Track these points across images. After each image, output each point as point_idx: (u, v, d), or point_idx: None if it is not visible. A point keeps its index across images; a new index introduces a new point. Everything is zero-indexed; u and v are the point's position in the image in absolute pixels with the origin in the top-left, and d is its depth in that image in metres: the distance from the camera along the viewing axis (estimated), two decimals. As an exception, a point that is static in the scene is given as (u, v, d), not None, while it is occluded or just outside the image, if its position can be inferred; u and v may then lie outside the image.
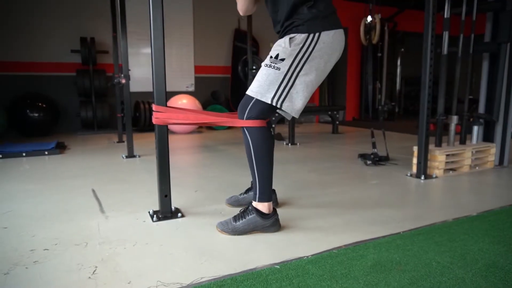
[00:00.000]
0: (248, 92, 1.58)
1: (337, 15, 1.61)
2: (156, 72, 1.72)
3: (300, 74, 1.53)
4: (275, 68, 1.52)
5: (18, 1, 5.27)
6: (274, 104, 1.54)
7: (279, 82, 1.52)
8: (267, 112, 1.59)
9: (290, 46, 1.51)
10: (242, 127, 1.61)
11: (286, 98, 1.54)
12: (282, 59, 1.52)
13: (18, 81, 5.37)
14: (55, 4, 5.48)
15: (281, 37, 1.59)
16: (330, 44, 1.54)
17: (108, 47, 5.60)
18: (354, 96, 7.99)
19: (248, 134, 1.59)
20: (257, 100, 1.56)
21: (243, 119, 1.59)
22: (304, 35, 1.52)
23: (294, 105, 1.56)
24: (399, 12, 7.29)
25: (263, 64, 1.57)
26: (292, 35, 1.53)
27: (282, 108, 1.54)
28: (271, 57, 1.54)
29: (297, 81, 1.53)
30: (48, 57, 5.54)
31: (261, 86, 1.54)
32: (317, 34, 1.52)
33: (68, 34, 5.57)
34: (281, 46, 1.53)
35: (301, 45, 1.51)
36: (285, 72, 1.52)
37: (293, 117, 4.25)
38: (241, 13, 1.77)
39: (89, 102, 5.47)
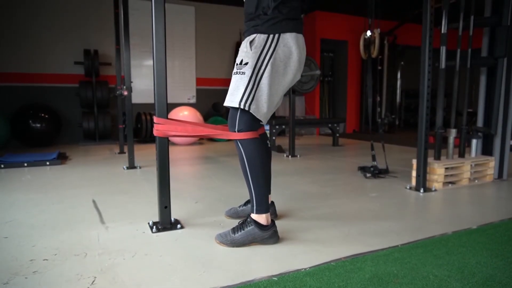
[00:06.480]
0: (224, 103, 1.61)
1: (302, 22, 1.63)
2: (157, 85, 1.75)
3: (264, 76, 1.55)
4: (241, 73, 1.56)
5: (22, 13, 5.37)
6: (242, 107, 1.55)
7: (245, 85, 1.55)
8: (253, 121, 1.60)
9: (251, 49, 1.55)
10: (235, 140, 1.62)
11: (253, 101, 1.56)
12: (246, 63, 1.55)
13: (21, 91, 5.44)
14: (59, 17, 5.58)
15: (244, 38, 1.63)
16: (289, 47, 1.57)
17: (111, 59, 5.68)
18: (355, 109, 8.04)
19: (241, 146, 1.60)
20: (241, 111, 1.58)
21: (234, 132, 1.61)
22: (263, 36, 1.55)
23: (259, 108, 1.58)
24: (398, 25, 7.38)
25: (232, 73, 1.61)
26: (251, 36, 1.57)
27: (250, 111, 1.56)
28: (236, 64, 1.58)
29: (261, 84, 1.56)
30: (51, 68, 5.62)
31: (231, 93, 1.58)
32: (276, 35, 1.55)
33: (72, 46, 5.67)
34: (244, 51, 1.57)
35: (261, 47, 1.55)
36: (249, 75, 1.55)
37: (293, 129, 4.30)
38: None
39: (91, 113, 5.52)
